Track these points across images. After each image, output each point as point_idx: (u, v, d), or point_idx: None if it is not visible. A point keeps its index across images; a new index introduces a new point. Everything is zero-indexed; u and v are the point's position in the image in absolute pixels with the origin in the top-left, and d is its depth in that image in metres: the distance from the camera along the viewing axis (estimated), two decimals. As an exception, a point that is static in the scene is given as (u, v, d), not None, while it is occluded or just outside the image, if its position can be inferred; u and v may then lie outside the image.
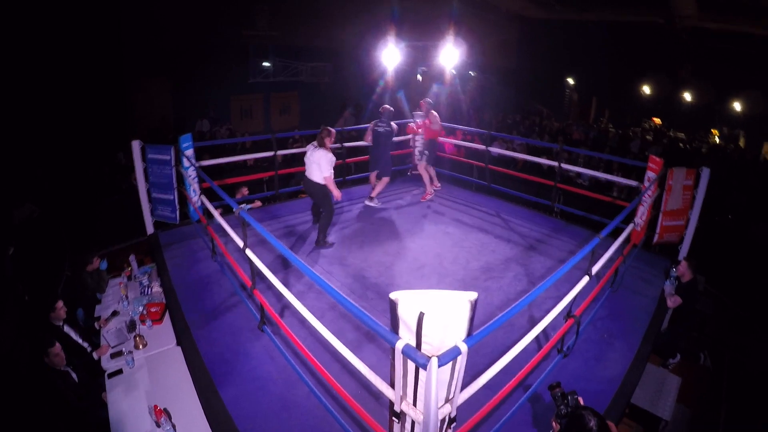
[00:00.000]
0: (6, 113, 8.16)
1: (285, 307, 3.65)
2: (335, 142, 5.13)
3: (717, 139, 13.71)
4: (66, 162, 8.27)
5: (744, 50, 11.08)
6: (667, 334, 4.02)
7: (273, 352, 3.16)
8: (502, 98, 14.71)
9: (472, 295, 1.66)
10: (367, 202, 6.03)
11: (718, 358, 4.29)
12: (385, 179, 5.96)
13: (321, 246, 4.77)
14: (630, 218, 4.14)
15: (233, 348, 3.25)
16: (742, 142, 13.17)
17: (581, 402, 2.19)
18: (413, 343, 1.66)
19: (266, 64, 13.07)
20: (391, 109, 5.85)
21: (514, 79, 15.48)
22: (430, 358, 1.56)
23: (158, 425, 2.57)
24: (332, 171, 4.58)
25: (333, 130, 4.69)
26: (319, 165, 4.52)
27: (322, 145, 4.55)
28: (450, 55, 6.71)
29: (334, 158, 4.59)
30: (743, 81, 11.99)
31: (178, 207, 5.02)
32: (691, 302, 3.94)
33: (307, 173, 4.67)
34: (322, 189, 4.64)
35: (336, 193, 4.64)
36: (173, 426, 2.58)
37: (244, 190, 5.87)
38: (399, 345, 1.65)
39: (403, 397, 1.85)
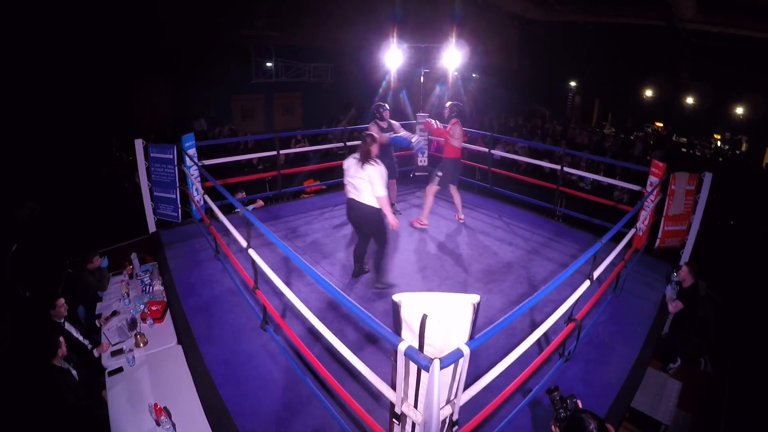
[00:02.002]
0: (6, 113, 8.18)
1: (286, 307, 3.65)
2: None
3: (719, 144, 13.72)
4: (66, 162, 8.29)
5: (746, 53, 11.07)
6: (668, 339, 4.01)
7: (274, 352, 3.16)
8: (503, 100, 14.73)
9: (475, 298, 1.66)
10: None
11: (719, 364, 4.28)
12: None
13: (380, 288, 3.98)
14: (632, 223, 4.13)
15: (234, 347, 3.25)
16: (744, 147, 13.17)
17: (580, 405, 2.18)
18: (416, 345, 1.66)
19: (269, 64, 13.10)
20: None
21: (516, 81, 15.49)
22: (432, 360, 1.56)
23: (158, 423, 2.57)
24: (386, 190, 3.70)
25: (376, 136, 3.81)
26: (372, 183, 3.62)
27: (368, 157, 3.64)
28: (452, 56, 6.73)
29: (386, 172, 3.70)
30: (745, 84, 12.00)
31: (179, 206, 5.04)
32: (693, 307, 3.93)
33: (353, 195, 3.77)
34: (377, 214, 3.75)
35: (392, 219, 3.75)
36: (173, 424, 2.58)
37: (241, 194, 5.88)
38: (401, 347, 1.65)
39: (404, 399, 1.85)
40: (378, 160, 3.66)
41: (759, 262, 5.75)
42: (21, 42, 8.44)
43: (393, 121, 5.37)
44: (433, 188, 5.19)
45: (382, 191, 3.63)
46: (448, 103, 5.20)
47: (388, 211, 3.72)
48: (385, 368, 2.00)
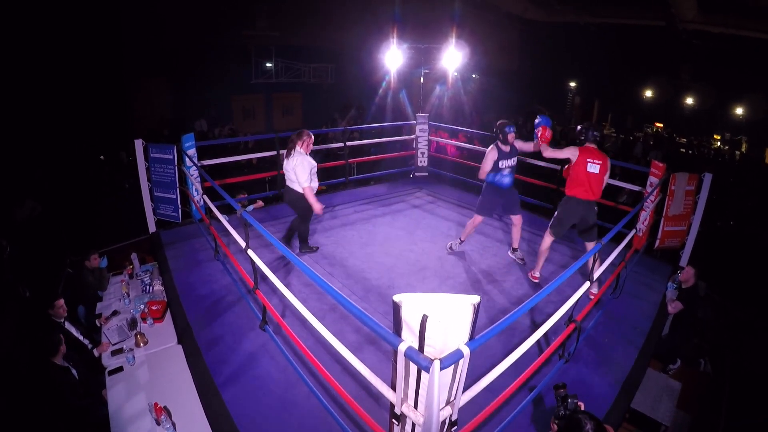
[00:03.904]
0: (6, 113, 8.17)
1: (286, 307, 3.65)
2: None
3: (719, 144, 13.73)
4: (66, 162, 8.28)
5: (746, 54, 11.08)
6: (668, 339, 4.02)
7: (274, 352, 3.16)
8: (503, 100, 14.74)
9: (475, 299, 1.66)
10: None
11: (719, 364, 4.28)
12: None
13: (306, 251, 4.63)
14: (632, 223, 4.13)
15: (234, 347, 3.25)
16: (744, 147, 13.19)
17: (581, 406, 2.18)
18: (416, 346, 1.66)
19: (269, 64, 13.11)
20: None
21: (516, 81, 15.50)
22: (432, 360, 1.56)
23: (158, 423, 2.57)
24: (310, 179, 4.15)
25: (308, 133, 4.20)
26: (295, 173, 4.11)
27: (291, 151, 4.15)
28: (452, 57, 6.73)
29: (313, 164, 4.17)
30: (746, 85, 11.99)
31: (180, 206, 5.04)
32: (693, 308, 3.93)
33: (287, 182, 4.29)
34: (302, 200, 4.22)
35: (317, 207, 4.21)
36: (173, 424, 2.58)
37: (243, 194, 5.87)
38: (401, 347, 1.65)
39: (404, 400, 1.85)
40: (302, 152, 4.10)
41: (762, 262, 5.76)
42: (21, 42, 8.44)
43: (518, 144, 4.47)
44: (547, 236, 4.09)
45: (305, 182, 4.09)
46: (578, 127, 3.95)
47: (312, 200, 4.16)
48: (385, 369, 2.00)
